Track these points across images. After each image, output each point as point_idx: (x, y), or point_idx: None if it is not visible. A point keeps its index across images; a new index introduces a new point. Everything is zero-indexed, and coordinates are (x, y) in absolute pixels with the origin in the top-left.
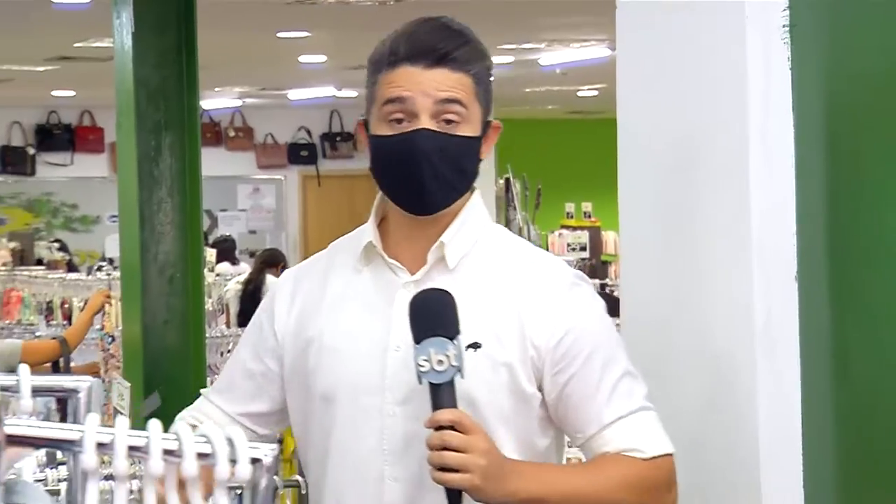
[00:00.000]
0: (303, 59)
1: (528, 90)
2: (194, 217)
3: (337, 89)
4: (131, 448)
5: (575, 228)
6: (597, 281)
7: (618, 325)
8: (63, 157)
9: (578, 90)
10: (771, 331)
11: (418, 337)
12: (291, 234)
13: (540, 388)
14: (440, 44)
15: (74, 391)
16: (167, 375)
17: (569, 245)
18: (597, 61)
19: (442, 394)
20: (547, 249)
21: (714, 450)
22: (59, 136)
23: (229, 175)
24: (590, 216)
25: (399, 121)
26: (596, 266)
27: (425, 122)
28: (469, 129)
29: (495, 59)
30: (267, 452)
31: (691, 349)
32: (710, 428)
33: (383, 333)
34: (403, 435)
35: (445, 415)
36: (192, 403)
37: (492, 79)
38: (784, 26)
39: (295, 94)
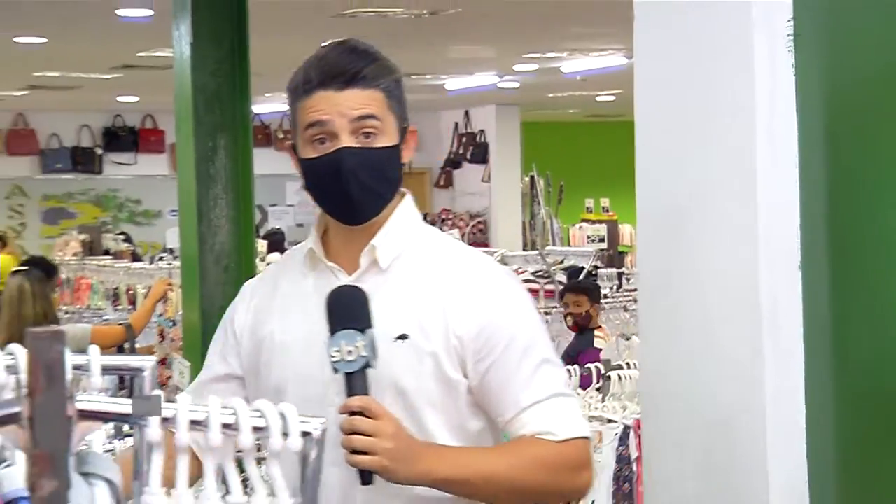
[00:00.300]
0: None
1: (550, 95)
2: (247, 211)
3: None
4: (192, 422)
5: (594, 222)
6: (614, 270)
7: (634, 309)
8: (128, 156)
9: (597, 95)
10: (776, 316)
11: (332, 330)
12: None
13: (465, 375)
14: (349, 66)
15: (140, 370)
16: None
17: (588, 237)
18: (614, 69)
19: (354, 382)
20: (568, 241)
21: (720, 427)
22: (124, 138)
23: (278, 173)
24: (608, 210)
25: (322, 141)
26: (613, 256)
27: (346, 141)
28: (387, 140)
29: (521, 68)
30: (317, 426)
31: (701, 333)
32: (717, 405)
33: (325, 330)
34: (338, 423)
35: (355, 401)
36: None
37: (403, 90)
38: (789, 35)
39: None
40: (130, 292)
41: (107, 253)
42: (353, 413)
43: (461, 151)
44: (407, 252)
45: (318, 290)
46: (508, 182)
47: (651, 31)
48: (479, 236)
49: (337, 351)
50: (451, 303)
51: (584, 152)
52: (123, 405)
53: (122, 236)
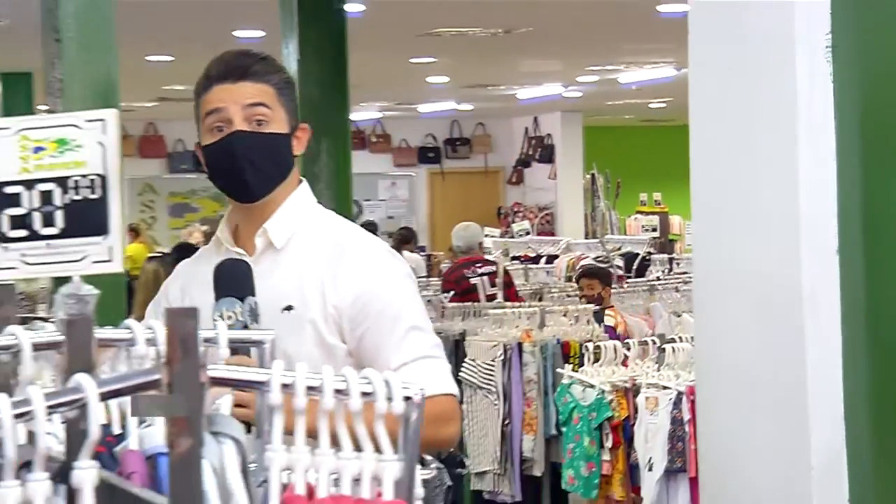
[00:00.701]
0: (430, 79)
1: (609, 103)
2: (346, 205)
3: (457, 104)
4: (309, 388)
5: (647, 213)
6: (665, 255)
7: (685, 290)
8: None
9: (650, 103)
10: (816, 296)
11: (216, 297)
12: (421, 218)
13: (343, 341)
14: (242, 62)
15: (261, 342)
16: None
17: (643, 227)
18: (665, 80)
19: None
20: (625, 230)
21: (766, 392)
22: None
23: (372, 172)
24: (660, 203)
25: (220, 129)
26: (665, 243)
27: (239, 125)
28: (276, 128)
29: (584, 79)
30: (416, 392)
31: (749, 312)
32: (763, 376)
33: None
34: None
35: (233, 360)
36: None
37: (293, 89)
38: (827, 47)
39: (424, 108)
40: None
41: None
42: None
43: (530, 153)
44: (300, 232)
45: None
46: (572, 179)
47: (703, 44)
48: (546, 227)
49: (219, 316)
50: (329, 275)
51: (639, 152)
52: (249, 373)
53: None
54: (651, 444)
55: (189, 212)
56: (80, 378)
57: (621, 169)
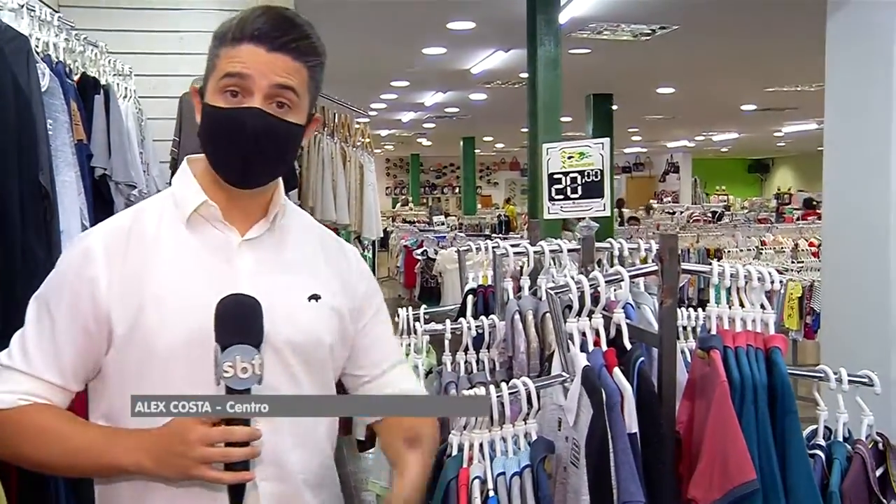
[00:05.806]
0: (634, 138)
1: (705, 148)
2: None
3: (641, 149)
4: (731, 275)
5: (720, 194)
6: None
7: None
8: None
9: (722, 148)
10: None
11: (224, 341)
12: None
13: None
14: (286, 31)
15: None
16: None
17: (719, 199)
18: (736, 137)
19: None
20: (708, 201)
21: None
22: None
23: None
24: (724, 189)
25: (234, 94)
26: (728, 206)
27: (258, 102)
28: (296, 117)
29: (699, 138)
30: (777, 279)
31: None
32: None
33: (228, 287)
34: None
35: (217, 433)
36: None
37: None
38: None
39: (627, 150)
40: None
41: None
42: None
43: (669, 169)
44: (287, 216)
45: (207, 248)
46: (686, 180)
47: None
48: (671, 201)
49: (231, 366)
50: (343, 268)
51: (715, 169)
52: (697, 267)
53: None
54: None
55: None
56: (619, 268)
57: (708, 177)
